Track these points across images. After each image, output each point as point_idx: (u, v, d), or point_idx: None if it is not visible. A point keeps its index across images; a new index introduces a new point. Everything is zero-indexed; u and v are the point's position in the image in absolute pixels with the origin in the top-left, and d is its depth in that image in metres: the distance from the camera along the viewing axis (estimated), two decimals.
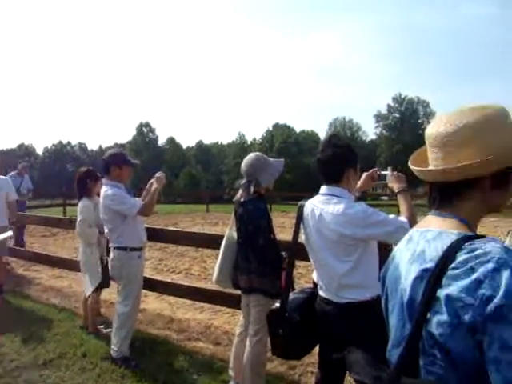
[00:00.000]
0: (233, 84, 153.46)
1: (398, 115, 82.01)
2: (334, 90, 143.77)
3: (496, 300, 1.01)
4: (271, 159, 3.67)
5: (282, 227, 13.26)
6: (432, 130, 1.26)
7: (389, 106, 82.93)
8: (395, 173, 2.89)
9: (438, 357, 1.12)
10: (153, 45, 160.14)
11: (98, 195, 4.68)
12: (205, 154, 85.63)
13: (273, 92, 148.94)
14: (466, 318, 1.05)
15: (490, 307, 1.01)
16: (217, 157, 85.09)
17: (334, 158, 2.68)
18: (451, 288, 1.08)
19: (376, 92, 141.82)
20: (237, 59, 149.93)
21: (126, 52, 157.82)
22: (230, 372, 3.84)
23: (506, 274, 1.02)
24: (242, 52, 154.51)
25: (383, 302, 1.40)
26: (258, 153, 3.71)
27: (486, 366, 1.03)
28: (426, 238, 1.24)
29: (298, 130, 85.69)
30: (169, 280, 6.62)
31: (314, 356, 3.17)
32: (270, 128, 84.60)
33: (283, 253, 3.46)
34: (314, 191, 2.90)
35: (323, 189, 2.75)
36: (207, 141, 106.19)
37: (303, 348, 2.92)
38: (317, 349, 2.95)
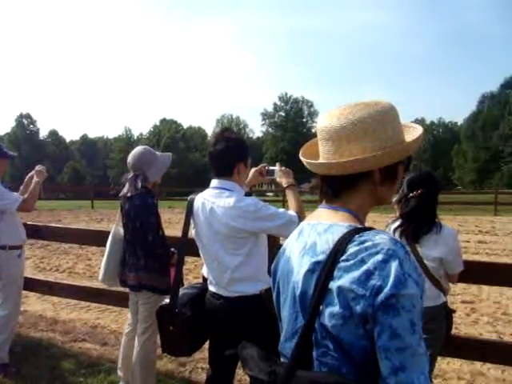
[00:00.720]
0: (120, 77, 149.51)
1: (283, 114, 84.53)
2: (222, 88, 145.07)
3: (386, 290, 1.04)
4: (159, 153, 3.59)
5: (169, 223, 13.17)
6: (325, 123, 1.26)
7: (275, 104, 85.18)
8: (283, 168, 2.95)
9: (330, 348, 1.13)
10: (35, 31, 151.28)
11: None
12: (90, 148, 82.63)
13: (161, 87, 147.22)
14: (358, 308, 1.07)
15: (380, 297, 1.05)
16: (102, 151, 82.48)
17: (226, 152, 2.66)
18: (343, 280, 1.10)
19: (263, 91, 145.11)
20: (125, 52, 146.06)
21: (5, 36, 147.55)
22: (119, 372, 3.72)
23: (394, 265, 1.06)
24: (131, 45, 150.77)
25: (275, 295, 1.40)
26: (145, 146, 3.61)
27: (377, 354, 1.07)
28: (316, 230, 1.25)
29: (185, 125, 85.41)
30: (52, 279, 6.28)
31: (204, 352, 3.17)
32: (158, 123, 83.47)
33: (172, 249, 3.41)
34: (201, 187, 2.89)
35: (214, 182, 2.73)
36: (92, 134, 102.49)
37: (194, 344, 2.89)
38: (207, 344, 2.94)
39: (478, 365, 4.36)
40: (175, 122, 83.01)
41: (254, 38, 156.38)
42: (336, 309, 1.10)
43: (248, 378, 3.54)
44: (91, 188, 34.77)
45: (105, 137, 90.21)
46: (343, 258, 1.12)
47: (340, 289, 1.10)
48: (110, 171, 74.77)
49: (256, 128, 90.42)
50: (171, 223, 12.94)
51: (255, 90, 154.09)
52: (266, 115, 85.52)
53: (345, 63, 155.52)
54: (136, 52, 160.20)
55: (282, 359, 1.29)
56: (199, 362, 4.28)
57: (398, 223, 2.98)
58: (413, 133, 1.30)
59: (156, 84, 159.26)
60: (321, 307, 1.13)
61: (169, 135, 77.26)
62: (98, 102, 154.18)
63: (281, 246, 1.42)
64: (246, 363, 1.26)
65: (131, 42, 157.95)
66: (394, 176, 1.28)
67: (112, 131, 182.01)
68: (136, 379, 3.46)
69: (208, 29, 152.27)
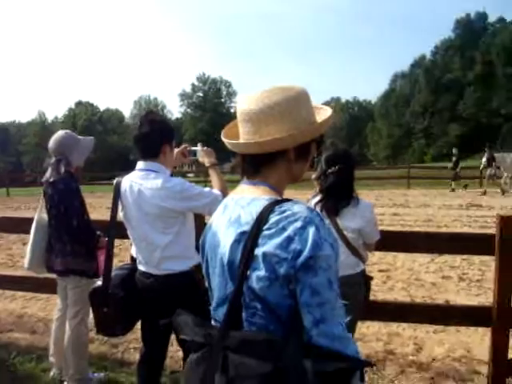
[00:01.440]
0: (30, 58, 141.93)
1: (201, 94, 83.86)
2: (139, 69, 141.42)
3: (305, 253, 1.19)
4: (81, 137, 3.56)
5: (92, 207, 12.85)
6: (244, 106, 1.38)
7: (193, 85, 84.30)
8: (205, 148, 3.03)
9: (258, 308, 1.27)
10: None
11: None
12: (1, 133, 78.23)
13: (75, 68, 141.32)
14: (282, 270, 1.21)
15: (301, 259, 1.19)
16: (15, 136, 78.39)
17: (152, 134, 2.73)
18: (267, 246, 1.23)
19: (181, 71, 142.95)
20: (35, 30, 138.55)
21: None
22: (51, 359, 3.72)
23: (311, 230, 1.21)
24: (42, 21, 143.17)
25: (204, 267, 1.50)
26: (67, 130, 3.58)
27: (300, 310, 1.22)
28: (240, 204, 1.37)
29: (102, 108, 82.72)
30: None
31: (136, 333, 3.22)
32: (73, 106, 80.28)
33: (98, 232, 3.41)
34: (122, 170, 2.92)
35: (140, 164, 2.79)
36: (3, 119, 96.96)
37: (128, 323, 2.95)
38: (138, 325, 3.00)
39: (394, 326, 4.71)
40: (91, 105, 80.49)
41: (173, 18, 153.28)
42: (262, 272, 1.23)
43: (180, 354, 3.65)
44: (5, 175, 33.10)
45: (17, 121, 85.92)
46: (266, 226, 1.25)
47: (265, 254, 1.23)
48: (24, 157, 71.33)
49: (174, 109, 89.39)
50: (95, 208, 12.65)
51: (173, 71, 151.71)
52: (184, 96, 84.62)
53: (263, 43, 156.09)
54: (47, 30, 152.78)
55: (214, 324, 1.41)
56: (131, 342, 4.33)
57: (318, 198, 3.13)
58: (323, 114, 1.44)
59: (69, 65, 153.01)
60: (248, 272, 1.26)
61: (85, 118, 74.83)
62: (8, 85, 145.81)
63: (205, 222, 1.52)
64: (182, 329, 1.37)
65: (41, 18, 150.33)
66: (307, 153, 1.43)
67: (24, 115, 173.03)
68: (69, 364, 3.47)
69: (125, 6, 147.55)
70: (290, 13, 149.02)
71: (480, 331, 4.36)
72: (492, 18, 60.89)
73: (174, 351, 3.86)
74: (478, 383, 3.62)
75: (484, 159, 18.69)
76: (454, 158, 21.01)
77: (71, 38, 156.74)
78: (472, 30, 60.48)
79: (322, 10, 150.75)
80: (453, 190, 20.09)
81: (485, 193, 18.13)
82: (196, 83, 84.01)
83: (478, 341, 4.36)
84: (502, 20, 59.42)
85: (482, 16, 61.21)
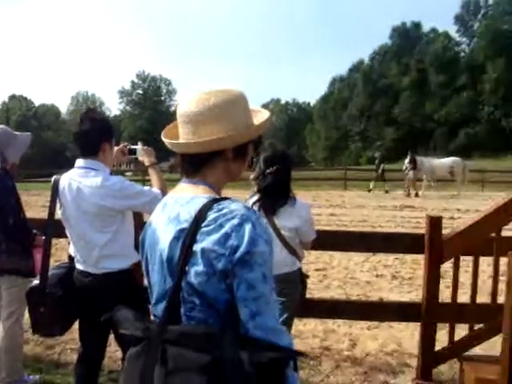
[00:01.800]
0: None
1: (141, 92, 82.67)
2: (77, 64, 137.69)
3: (242, 248, 1.25)
4: (18, 133, 3.46)
5: (27, 205, 12.40)
6: (184, 108, 1.42)
7: (133, 82, 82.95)
8: (145, 147, 3.02)
9: (197, 303, 1.31)
10: None
11: None
12: None
13: (9, 60, 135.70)
14: (219, 265, 1.26)
15: (237, 255, 1.25)
16: None
17: (92, 132, 2.72)
18: (205, 242, 1.28)
19: (120, 68, 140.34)
20: None
21: None
22: None
23: (248, 227, 1.27)
24: None
25: (144, 264, 1.53)
26: (2, 126, 3.46)
27: (236, 303, 1.27)
28: (180, 202, 1.41)
29: (37, 103, 79.90)
30: None
31: (72, 333, 3.17)
32: (6, 100, 77.11)
33: (34, 231, 3.32)
34: (58, 168, 2.88)
35: (80, 162, 2.76)
36: None
37: (66, 323, 2.91)
38: (76, 325, 2.96)
39: (330, 323, 4.84)
40: (26, 99, 77.66)
41: (113, 14, 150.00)
42: (200, 268, 1.28)
43: (119, 354, 3.60)
44: None
45: None
46: (204, 223, 1.29)
47: (203, 250, 1.27)
48: None
49: (113, 106, 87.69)
50: (31, 206, 12.21)
51: (112, 68, 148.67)
52: (123, 93, 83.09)
53: (205, 43, 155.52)
54: None
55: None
56: (68, 343, 4.24)
57: (256, 198, 3.19)
58: (261, 116, 1.50)
59: (3, 57, 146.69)
60: (186, 268, 1.30)
61: (20, 113, 72.12)
62: None
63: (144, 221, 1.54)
64: (121, 324, 1.39)
65: None
66: (245, 154, 1.48)
67: None
68: (2, 365, 3.36)
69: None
70: (230, 14, 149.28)
71: (411, 326, 4.55)
72: (426, 28, 63.20)
73: (113, 351, 3.82)
74: (408, 375, 3.78)
75: (406, 162, 19.54)
76: (376, 161, 21.98)
77: (5, 28, 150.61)
78: (407, 37, 62.38)
79: (267, 11, 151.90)
80: (369, 190, 20.92)
81: (409, 195, 19.08)
82: (136, 80, 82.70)
83: (408, 335, 4.55)
84: (434, 30, 61.76)
85: (417, 25, 63.38)
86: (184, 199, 1.40)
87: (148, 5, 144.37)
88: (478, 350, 3.59)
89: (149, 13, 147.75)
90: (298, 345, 4.21)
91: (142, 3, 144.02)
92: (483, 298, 3.79)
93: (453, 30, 61.74)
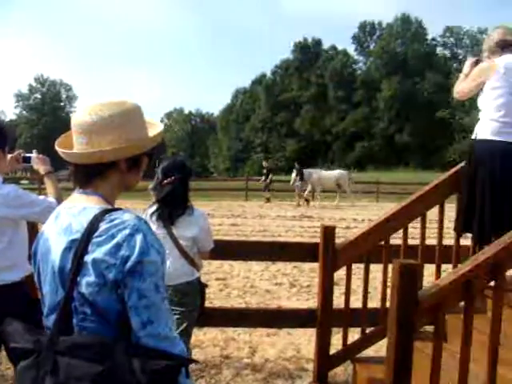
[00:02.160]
0: None
1: (39, 96, 78.88)
2: None
3: (133, 258, 1.26)
4: None
5: None
6: (78, 117, 1.41)
7: (30, 85, 78.93)
8: (40, 155, 2.91)
9: (88, 313, 1.30)
10: None
11: None
12: None
13: None
14: (110, 276, 1.26)
15: (128, 264, 1.26)
16: None
17: None
18: (96, 253, 1.28)
19: (17, 71, 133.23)
20: None
21: None
22: None
23: (139, 237, 1.28)
24: None
25: (36, 275, 1.49)
26: None
27: (128, 313, 1.28)
28: (72, 213, 1.39)
29: None
30: None
31: None
32: None
33: None
34: None
35: None
36: None
37: None
38: None
39: (230, 332, 4.87)
40: None
41: (8, 15, 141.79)
42: (92, 278, 1.27)
43: (11, 373, 3.41)
44: None
45: None
46: (96, 234, 1.29)
47: (94, 260, 1.27)
48: None
49: (8, 110, 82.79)
50: None
51: (7, 70, 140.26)
52: (20, 97, 78.78)
53: (107, 50, 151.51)
54: None
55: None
56: None
57: (154, 208, 3.18)
58: (155, 129, 1.52)
59: None
60: (78, 278, 1.29)
61: None
62: None
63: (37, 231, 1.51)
64: (12, 337, 1.36)
65: None
66: (139, 165, 1.49)
67: None
68: None
69: None
70: (136, 20, 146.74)
71: (308, 332, 4.68)
72: (326, 45, 65.85)
73: (4, 370, 3.66)
74: (306, 379, 3.90)
75: (293, 174, 20.36)
76: (264, 171, 22.83)
77: None
78: (308, 53, 64.72)
79: (173, 19, 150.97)
80: (267, 200, 21.55)
81: (299, 205, 19.90)
82: (34, 84, 78.74)
83: (306, 341, 4.68)
84: (334, 48, 64.61)
85: (318, 42, 65.87)
86: (76, 209, 1.39)
87: (50, 8, 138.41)
88: (370, 352, 3.78)
89: (46, 13, 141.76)
90: (198, 354, 4.22)
91: (44, 6, 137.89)
92: (375, 303, 4.01)
93: (351, 49, 65.44)
